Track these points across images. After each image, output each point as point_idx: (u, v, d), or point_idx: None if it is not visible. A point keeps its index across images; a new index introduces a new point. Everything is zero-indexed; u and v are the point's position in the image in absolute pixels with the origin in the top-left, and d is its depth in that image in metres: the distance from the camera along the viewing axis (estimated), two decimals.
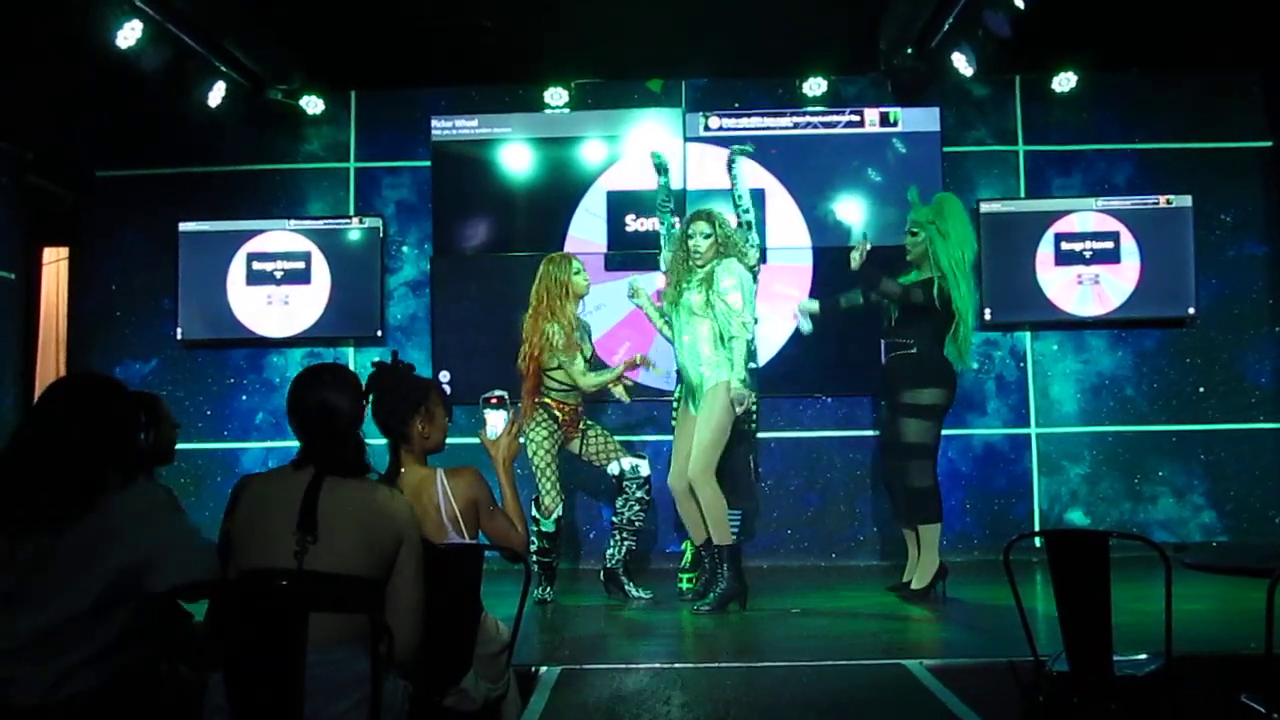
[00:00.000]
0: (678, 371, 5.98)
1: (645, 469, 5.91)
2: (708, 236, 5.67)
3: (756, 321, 5.87)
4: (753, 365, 6.10)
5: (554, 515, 5.78)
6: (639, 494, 5.89)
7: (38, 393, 7.52)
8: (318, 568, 2.45)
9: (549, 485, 5.79)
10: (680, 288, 5.72)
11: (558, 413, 5.85)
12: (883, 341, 6.06)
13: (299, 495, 2.51)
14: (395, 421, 3.18)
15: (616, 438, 6.10)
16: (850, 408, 7.47)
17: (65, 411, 2.60)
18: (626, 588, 5.92)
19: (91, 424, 2.57)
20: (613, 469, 5.92)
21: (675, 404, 6.11)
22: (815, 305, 6.27)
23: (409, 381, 3.25)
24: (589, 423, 6.01)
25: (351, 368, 7.41)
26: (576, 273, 5.86)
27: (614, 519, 5.99)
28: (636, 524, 5.93)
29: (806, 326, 6.26)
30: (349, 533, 2.51)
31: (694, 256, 5.68)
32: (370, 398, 3.19)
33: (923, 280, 5.79)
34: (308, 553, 2.46)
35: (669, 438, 6.25)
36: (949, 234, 5.76)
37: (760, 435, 6.80)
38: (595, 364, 6.04)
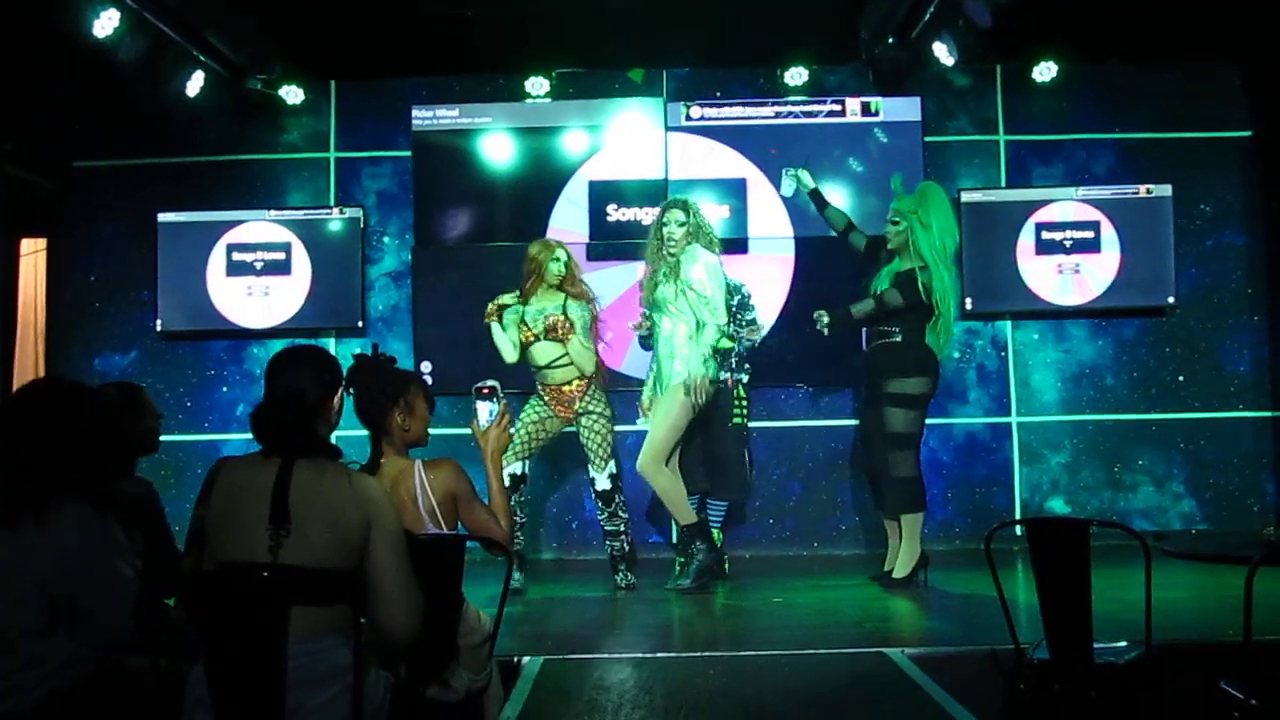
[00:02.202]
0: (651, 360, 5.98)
1: (602, 483, 5.88)
2: (682, 224, 5.68)
3: (732, 321, 5.87)
4: (742, 376, 6.07)
5: (508, 470, 5.69)
6: (600, 504, 5.95)
7: (15, 384, 7.48)
8: (293, 561, 2.42)
9: (511, 448, 5.75)
10: (656, 279, 5.73)
11: (542, 392, 5.91)
12: (864, 330, 6.05)
13: (270, 486, 2.48)
14: (374, 413, 3.19)
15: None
16: (832, 397, 7.48)
17: (24, 416, 2.65)
18: (616, 577, 5.96)
19: (45, 433, 2.63)
20: (589, 470, 5.96)
21: (646, 391, 6.05)
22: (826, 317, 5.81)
23: (388, 374, 3.26)
24: (586, 408, 5.89)
25: None
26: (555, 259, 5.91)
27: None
28: (606, 529, 5.97)
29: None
30: (319, 524, 2.46)
31: (668, 245, 5.69)
32: (352, 390, 3.20)
33: (901, 275, 5.76)
34: (282, 546, 2.44)
35: None
36: (930, 224, 5.73)
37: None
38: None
